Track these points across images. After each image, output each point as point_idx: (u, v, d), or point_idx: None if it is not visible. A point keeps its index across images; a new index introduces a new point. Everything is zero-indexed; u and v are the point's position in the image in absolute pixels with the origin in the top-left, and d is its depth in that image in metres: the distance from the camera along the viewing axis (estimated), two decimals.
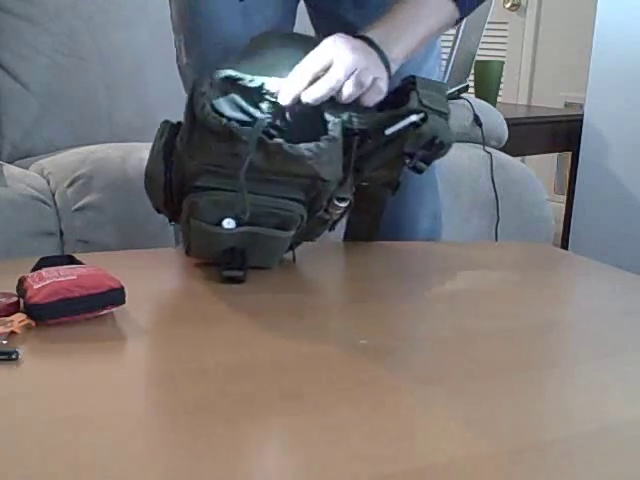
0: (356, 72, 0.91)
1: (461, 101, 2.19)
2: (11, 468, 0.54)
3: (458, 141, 2.18)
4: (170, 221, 1.03)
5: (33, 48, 1.81)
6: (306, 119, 0.92)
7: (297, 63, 0.93)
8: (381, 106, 0.97)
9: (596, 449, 0.60)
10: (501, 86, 2.69)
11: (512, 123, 2.28)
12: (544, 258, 1.16)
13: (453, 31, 2.13)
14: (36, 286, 0.79)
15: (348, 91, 0.91)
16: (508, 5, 3.68)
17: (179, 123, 0.97)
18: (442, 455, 0.58)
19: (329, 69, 0.91)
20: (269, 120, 0.90)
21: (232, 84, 0.92)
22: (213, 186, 0.92)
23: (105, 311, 0.81)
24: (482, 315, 0.88)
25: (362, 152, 0.95)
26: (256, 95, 0.92)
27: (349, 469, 0.56)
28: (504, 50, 3.71)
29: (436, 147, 0.95)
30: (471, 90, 2.44)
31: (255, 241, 0.95)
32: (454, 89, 2.21)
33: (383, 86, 0.95)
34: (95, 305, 0.80)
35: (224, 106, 0.90)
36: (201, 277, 0.96)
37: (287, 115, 0.92)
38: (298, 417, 0.63)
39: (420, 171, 0.98)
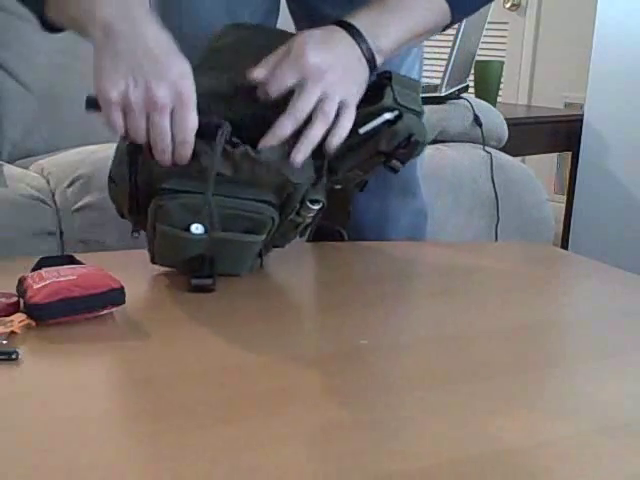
0: (322, 101, 0.85)
1: (461, 101, 2.19)
2: (11, 468, 0.54)
3: (458, 141, 2.18)
4: (133, 231, 0.95)
5: (33, 48, 1.82)
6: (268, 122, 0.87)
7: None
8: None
9: (596, 449, 0.60)
10: (501, 86, 2.70)
11: (512, 123, 2.28)
12: (544, 258, 1.16)
13: (453, 31, 2.13)
14: (36, 286, 0.79)
15: (316, 133, 0.85)
16: (508, 5, 3.68)
17: None
18: (442, 455, 0.58)
19: (295, 95, 0.85)
20: (229, 130, 0.84)
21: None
22: (181, 189, 0.86)
23: (105, 311, 0.81)
24: (482, 315, 0.88)
25: (336, 152, 0.90)
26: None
27: (348, 469, 0.56)
28: (504, 50, 3.71)
29: (411, 145, 0.92)
30: (471, 90, 2.44)
31: (224, 247, 0.89)
32: (454, 89, 2.21)
33: (351, 109, 0.87)
34: (95, 305, 0.80)
35: None
36: None
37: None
38: (296, 417, 0.63)
39: (396, 170, 0.93)
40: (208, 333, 0.79)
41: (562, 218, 2.77)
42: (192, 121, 0.78)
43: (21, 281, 0.82)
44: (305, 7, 1.21)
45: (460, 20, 1.00)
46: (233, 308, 0.85)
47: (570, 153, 2.74)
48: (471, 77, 2.42)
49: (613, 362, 0.76)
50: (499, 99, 2.65)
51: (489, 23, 2.36)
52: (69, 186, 1.52)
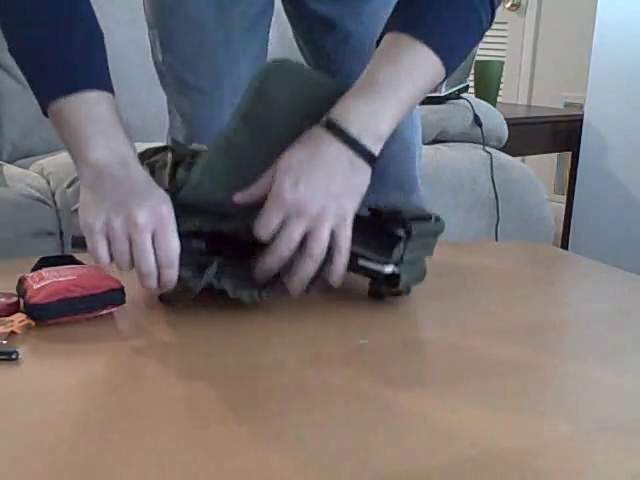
0: (309, 236, 0.81)
1: (461, 101, 2.19)
2: (11, 468, 0.54)
3: (458, 141, 2.19)
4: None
5: None
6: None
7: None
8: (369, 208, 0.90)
9: (596, 449, 0.60)
10: (501, 86, 2.70)
11: (512, 123, 2.29)
12: (544, 258, 1.16)
13: None
14: (36, 286, 0.79)
15: (305, 272, 0.82)
16: (508, 5, 3.68)
17: None
18: (442, 455, 0.58)
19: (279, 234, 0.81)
20: (215, 270, 0.83)
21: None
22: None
23: (105, 311, 0.81)
24: (482, 315, 0.88)
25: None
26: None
27: (348, 469, 0.56)
28: (504, 50, 3.72)
29: (403, 293, 0.91)
30: (471, 90, 2.44)
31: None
32: (454, 89, 2.21)
33: (346, 232, 0.82)
34: (95, 305, 0.80)
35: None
36: None
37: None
38: (296, 417, 0.63)
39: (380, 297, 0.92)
40: (208, 333, 0.79)
41: (562, 218, 2.77)
42: (174, 242, 0.80)
43: (21, 281, 0.82)
44: (300, 7, 1.21)
45: (453, 71, 0.91)
46: (233, 308, 0.85)
47: (570, 153, 2.74)
48: (471, 77, 2.42)
49: (613, 362, 0.76)
50: (499, 99, 2.65)
51: None
52: (69, 186, 1.52)
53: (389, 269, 0.87)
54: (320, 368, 0.72)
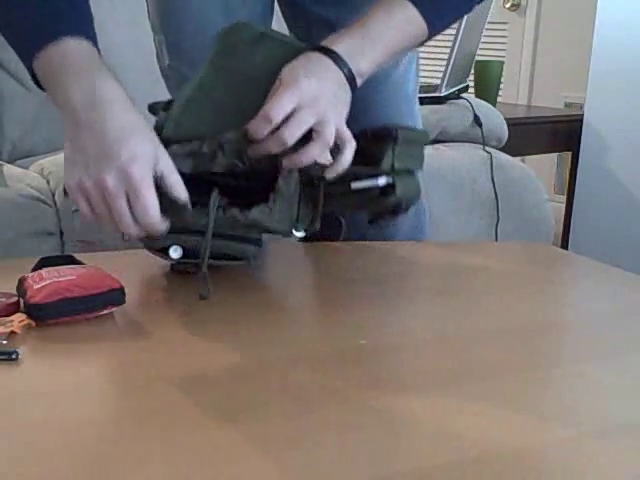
0: (319, 125, 0.86)
1: (461, 101, 2.19)
2: (11, 468, 0.54)
3: (458, 141, 2.18)
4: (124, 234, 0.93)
5: None
6: (263, 162, 0.89)
7: (253, 102, 0.87)
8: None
9: (596, 449, 0.60)
10: (501, 86, 2.69)
11: (512, 123, 2.28)
12: (544, 258, 1.16)
13: (453, 31, 2.13)
14: (36, 286, 0.79)
15: (313, 154, 0.87)
16: (508, 5, 3.68)
17: None
18: (442, 456, 0.58)
19: (291, 119, 0.85)
20: (219, 198, 0.85)
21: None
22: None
23: (105, 311, 0.81)
24: (482, 315, 0.88)
25: (325, 198, 0.92)
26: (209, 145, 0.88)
27: (348, 469, 0.56)
28: (504, 50, 3.71)
29: (402, 209, 0.93)
30: (471, 90, 2.44)
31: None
32: (454, 89, 2.21)
33: (352, 143, 0.89)
34: (95, 305, 0.80)
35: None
36: None
37: (245, 159, 0.88)
38: (296, 417, 0.63)
39: (382, 227, 0.96)
40: (208, 333, 0.79)
41: (562, 218, 2.77)
42: (149, 201, 0.80)
43: (21, 281, 0.82)
44: (298, 10, 1.21)
45: (436, 35, 1.01)
46: (233, 308, 0.85)
47: (570, 153, 2.74)
48: (471, 77, 2.42)
49: (613, 362, 0.76)
50: (499, 99, 2.65)
51: (489, 23, 2.36)
52: None
53: (383, 180, 0.90)
54: (320, 368, 0.72)
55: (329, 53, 0.91)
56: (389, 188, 0.90)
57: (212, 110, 0.91)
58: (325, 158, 0.89)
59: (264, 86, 0.89)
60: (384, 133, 0.95)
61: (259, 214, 0.87)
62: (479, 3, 1.02)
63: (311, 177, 0.90)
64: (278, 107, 0.85)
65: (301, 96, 0.86)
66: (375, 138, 0.95)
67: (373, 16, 0.95)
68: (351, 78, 0.92)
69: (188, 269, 0.92)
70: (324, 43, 0.93)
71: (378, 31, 0.95)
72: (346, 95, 0.92)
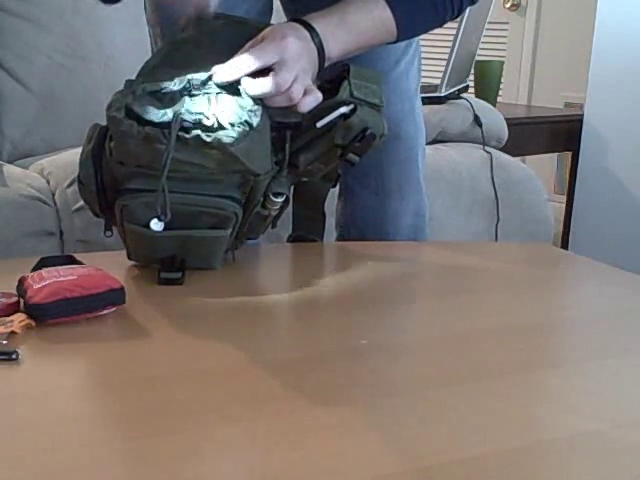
0: (295, 80, 0.90)
1: (461, 101, 2.19)
2: (11, 468, 0.54)
3: (458, 141, 2.18)
4: (105, 230, 0.97)
5: (33, 48, 1.82)
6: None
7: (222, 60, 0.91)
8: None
9: (596, 449, 0.60)
10: (501, 86, 2.70)
11: (512, 123, 2.28)
12: (544, 258, 1.16)
13: (453, 31, 2.13)
14: (36, 286, 0.79)
15: (276, 100, 0.91)
16: (508, 5, 3.68)
17: (107, 127, 0.93)
18: (442, 455, 0.58)
19: (277, 68, 0.90)
20: (184, 118, 0.86)
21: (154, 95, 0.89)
22: (144, 188, 0.89)
23: (105, 311, 0.81)
24: (482, 315, 0.88)
25: (296, 146, 0.95)
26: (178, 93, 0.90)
27: (348, 469, 0.56)
28: (504, 50, 3.72)
29: (367, 139, 0.95)
30: (471, 90, 2.44)
31: (192, 243, 0.93)
32: (454, 89, 2.21)
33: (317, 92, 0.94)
34: (95, 305, 0.80)
35: (138, 108, 0.87)
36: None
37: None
38: (296, 417, 0.63)
39: (352, 163, 0.98)
40: (208, 333, 0.79)
41: (562, 218, 2.77)
42: None
43: (21, 281, 0.82)
44: (301, 5, 1.21)
45: (402, 41, 1.06)
46: (234, 309, 0.85)
47: (570, 153, 2.74)
48: (471, 77, 2.42)
49: (613, 362, 0.76)
50: (499, 99, 2.65)
51: (489, 23, 2.36)
52: (69, 186, 1.52)
53: (344, 109, 0.94)
54: (320, 368, 0.72)
55: (306, 25, 0.95)
56: (353, 113, 0.95)
57: (182, 59, 0.94)
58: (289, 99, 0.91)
59: (231, 52, 0.93)
60: (338, 73, 1.00)
61: (226, 137, 0.86)
62: (452, 19, 1.07)
63: (277, 122, 0.92)
64: (263, 59, 0.89)
65: (285, 51, 0.90)
66: (332, 82, 0.99)
67: (354, 5, 0.99)
68: (322, 53, 0.95)
69: (175, 278, 0.92)
70: (304, 18, 0.96)
71: (355, 22, 0.99)
72: (315, 67, 0.95)
